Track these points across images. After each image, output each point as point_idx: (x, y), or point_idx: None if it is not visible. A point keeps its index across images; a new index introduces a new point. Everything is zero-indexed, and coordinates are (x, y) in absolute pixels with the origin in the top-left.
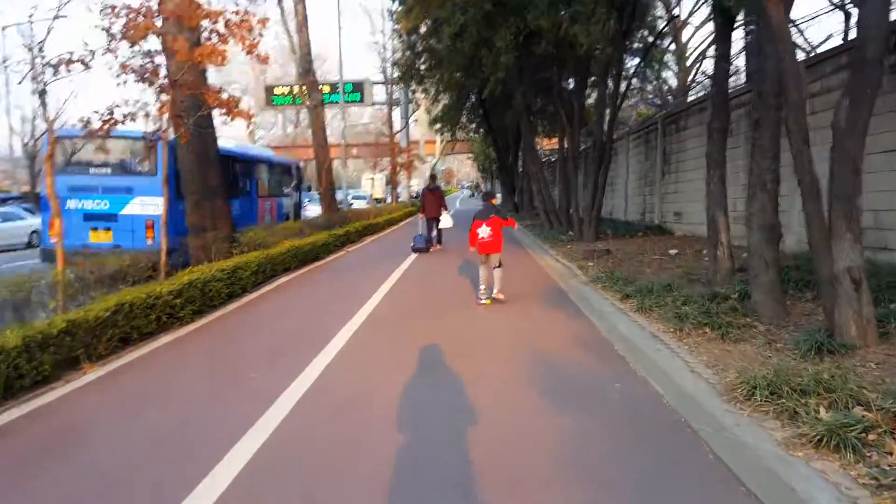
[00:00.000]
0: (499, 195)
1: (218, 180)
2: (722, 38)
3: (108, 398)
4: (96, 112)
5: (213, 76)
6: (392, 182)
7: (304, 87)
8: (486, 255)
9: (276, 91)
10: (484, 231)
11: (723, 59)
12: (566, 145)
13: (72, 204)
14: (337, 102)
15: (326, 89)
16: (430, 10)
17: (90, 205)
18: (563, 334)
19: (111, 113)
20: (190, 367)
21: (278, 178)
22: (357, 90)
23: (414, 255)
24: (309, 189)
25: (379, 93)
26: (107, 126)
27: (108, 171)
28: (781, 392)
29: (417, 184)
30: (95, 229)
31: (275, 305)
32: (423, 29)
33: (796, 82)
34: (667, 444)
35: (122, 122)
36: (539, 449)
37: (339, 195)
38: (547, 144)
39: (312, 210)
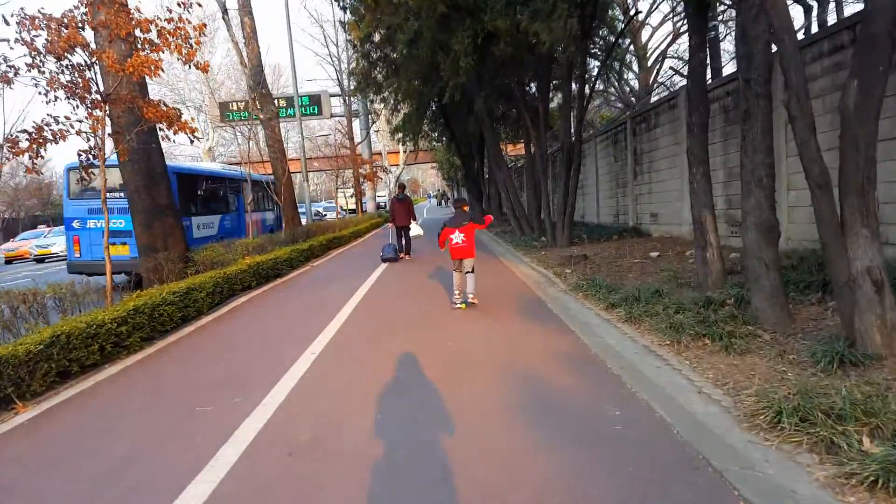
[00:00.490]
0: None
1: (167, 198)
2: (696, 28)
3: (37, 443)
4: (24, 132)
5: (166, 95)
6: (356, 193)
7: (256, 100)
8: (460, 260)
9: (232, 107)
10: (457, 237)
11: (698, 49)
12: (533, 149)
13: (91, 224)
14: (294, 116)
15: (283, 103)
16: (383, 18)
17: (114, 223)
18: (547, 351)
19: (40, 131)
20: (133, 403)
21: (260, 193)
22: (314, 103)
23: (383, 266)
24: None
25: (338, 105)
26: (34, 145)
27: (122, 195)
28: (812, 418)
29: (385, 195)
30: (114, 244)
31: (231, 328)
32: (377, 37)
33: (797, 63)
34: (686, 489)
35: (54, 142)
36: (532, 498)
37: (314, 208)
38: (512, 150)
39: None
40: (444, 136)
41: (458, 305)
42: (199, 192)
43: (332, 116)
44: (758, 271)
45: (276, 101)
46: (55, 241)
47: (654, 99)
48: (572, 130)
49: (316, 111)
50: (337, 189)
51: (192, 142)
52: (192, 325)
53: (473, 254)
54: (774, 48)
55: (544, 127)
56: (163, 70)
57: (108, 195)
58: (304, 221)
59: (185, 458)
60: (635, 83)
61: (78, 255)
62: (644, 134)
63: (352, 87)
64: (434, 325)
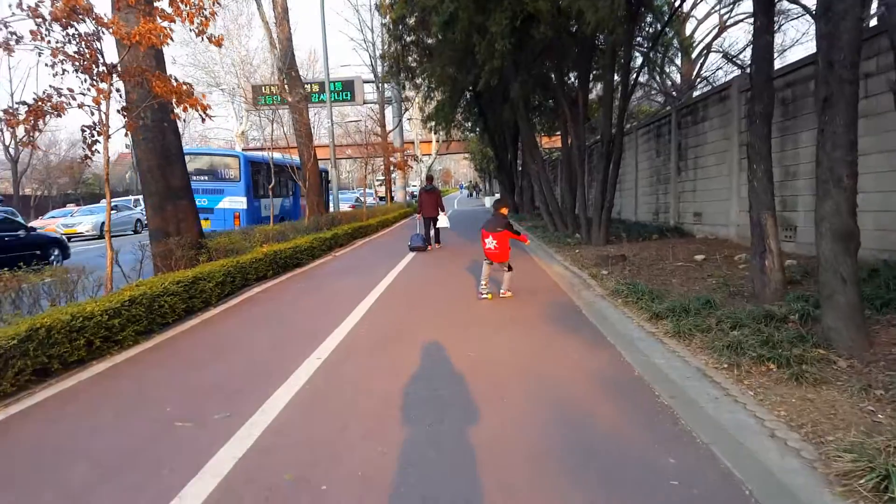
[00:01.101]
0: (497, 194)
1: (182, 180)
2: (762, 8)
3: None
4: (23, 103)
5: (201, 78)
6: (386, 182)
7: (284, 82)
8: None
9: (265, 91)
10: (490, 242)
11: (764, 31)
12: (570, 140)
13: None
14: (325, 102)
15: (315, 88)
16: None
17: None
18: (583, 370)
19: (40, 103)
20: (107, 413)
21: (321, 180)
22: (347, 89)
23: (410, 255)
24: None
25: (371, 92)
26: (30, 117)
27: (206, 178)
28: None
29: (417, 185)
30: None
31: (237, 323)
32: (411, 21)
33: None
34: None
35: (54, 115)
36: None
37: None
38: (547, 142)
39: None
40: (478, 125)
41: (485, 296)
42: (263, 178)
43: (364, 103)
44: (833, 286)
45: (306, 86)
46: (82, 220)
47: (696, 93)
48: (613, 121)
49: (348, 97)
50: (366, 177)
51: (203, 120)
52: (197, 318)
53: (507, 257)
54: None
55: (583, 117)
56: (172, 39)
57: (194, 177)
58: (334, 209)
59: (142, 496)
60: (677, 77)
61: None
62: (690, 127)
63: (385, 72)
64: (456, 328)
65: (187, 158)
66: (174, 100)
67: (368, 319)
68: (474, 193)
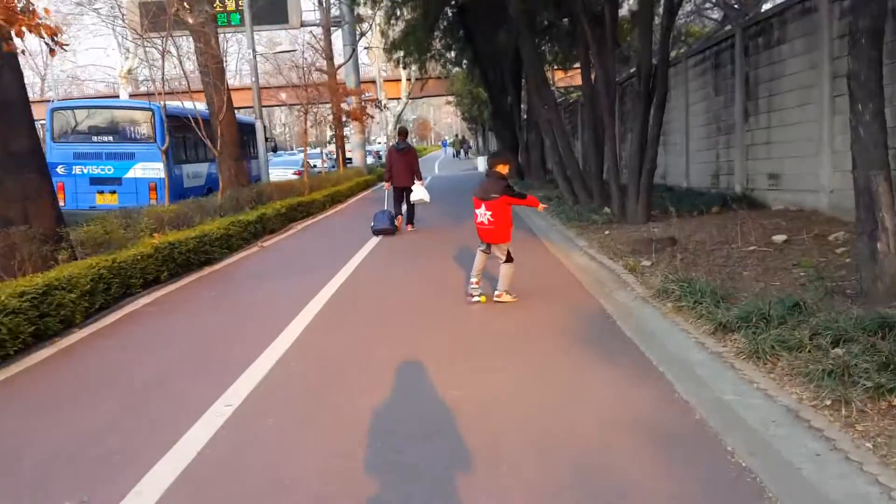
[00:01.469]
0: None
1: (28, 141)
2: None
3: None
4: None
5: None
6: (337, 139)
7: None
8: (488, 243)
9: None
10: (483, 214)
11: None
12: (594, 76)
13: (77, 169)
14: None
15: (230, 5)
16: None
17: (95, 170)
18: (622, 417)
19: None
20: None
21: (246, 138)
22: (276, 6)
23: (373, 242)
24: (275, 150)
25: (312, 11)
26: None
27: (110, 138)
28: None
29: (383, 142)
30: (102, 192)
31: (110, 353)
32: None
33: None
34: None
35: None
36: None
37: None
38: (562, 78)
39: (277, 173)
40: (465, 56)
41: (476, 298)
42: (187, 137)
43: (302, 26)
44: None
45: (218, 1)
46: None
47: (768, 6)
48: (654, 47)
49: (279, 18)
50: (306, 132)
51: (52, 52)
52: (53, 346)
53: (507, 237)
54: None
55: (612, 42)
56: None
57: (93, 138)
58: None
59: None
60: None
61: (63, 205)
62: (762, 53)
63: None
64: (433, 351)
65: (82, 113)
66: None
67: (306, 344)
68: (462, 153)
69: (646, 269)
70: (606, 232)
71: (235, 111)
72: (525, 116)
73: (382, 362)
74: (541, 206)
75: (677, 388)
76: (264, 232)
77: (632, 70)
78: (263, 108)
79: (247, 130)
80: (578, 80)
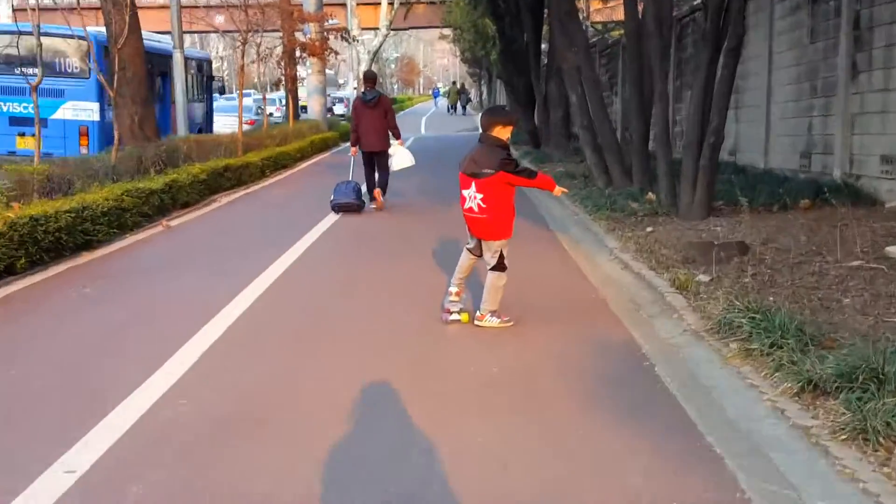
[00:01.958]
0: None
1: None
2: None
3: None
4: None
5: None
6: (287, 80)
7: None
8: (478, 239)
9: None
10: (471, 198)
11: None
12: (640, 8)
13: None
14: None
15: None
16: None
17: (16, 108)
18: None
19: None
20: None
21: (187, 77)
22: None
23: (329, 221)
24: (222, 91)
25: None
26: None
27: (33, 71)
28: None
29: (353, 89)
30: (23, 135)
31: None
32: None
33: None
34: None
35: None
36: None
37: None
38: (598, 9)
39: (225, 121)
40: None
41: (455, 316)
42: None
43: None
44: None
45: None
46: None
47: None
48: None
49: None
50: (243, 68)
51: None
52: None
53: (505, 232)
54: None
55: None
56: None
57: (14, 70)
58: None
59: None
60: None
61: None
62: None
63: None
64: (387, 399)
65: (2, 39)
66: None
67: (203, 375)
68: (459, 107)
69: (702, 287)
70: (649, 229)
71: (148, 38)
72: (546, 61)
73: (304, 416)
74: (558, 189)
75: (742, 482)
76: (174, 206)
77: (696, 1)
78: (192, 35)
79: (162, 63)
80: (620, 13)
